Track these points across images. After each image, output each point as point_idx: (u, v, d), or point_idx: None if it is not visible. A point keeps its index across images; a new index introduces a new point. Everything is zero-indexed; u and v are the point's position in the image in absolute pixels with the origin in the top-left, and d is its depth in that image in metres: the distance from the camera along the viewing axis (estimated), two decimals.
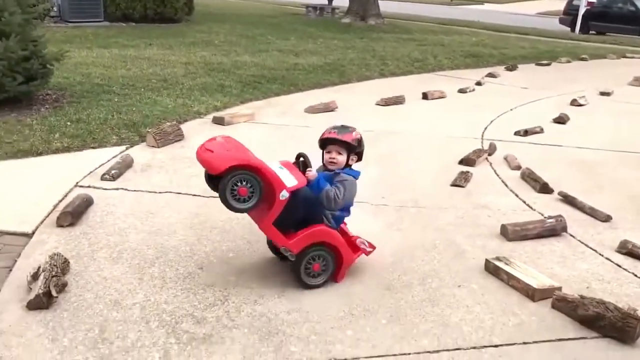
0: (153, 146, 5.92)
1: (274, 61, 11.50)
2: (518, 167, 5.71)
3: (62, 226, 4.06)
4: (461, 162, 5.83)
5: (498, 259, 3.68)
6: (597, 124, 8.06)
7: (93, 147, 5.83)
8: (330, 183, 3.33)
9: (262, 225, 3.26)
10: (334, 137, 3.40)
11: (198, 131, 6.59)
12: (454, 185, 5.19)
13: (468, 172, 5.45)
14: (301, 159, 3.43)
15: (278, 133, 6.70)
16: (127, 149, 5.87)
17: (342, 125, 3.48)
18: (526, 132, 7.09)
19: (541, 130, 7.27)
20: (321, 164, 3.53)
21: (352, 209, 3.60)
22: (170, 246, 3.86)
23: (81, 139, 5.96)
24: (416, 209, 4.64)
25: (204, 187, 4.84)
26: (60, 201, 4.49)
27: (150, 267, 3.59)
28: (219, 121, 6.94)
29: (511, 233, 4.10)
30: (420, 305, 3.32)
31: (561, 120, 7.91)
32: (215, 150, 3.11)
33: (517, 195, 5.04)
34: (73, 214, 4.11)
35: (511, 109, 8.65)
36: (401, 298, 3.37)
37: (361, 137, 3.46)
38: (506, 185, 5.28)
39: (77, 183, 4.89)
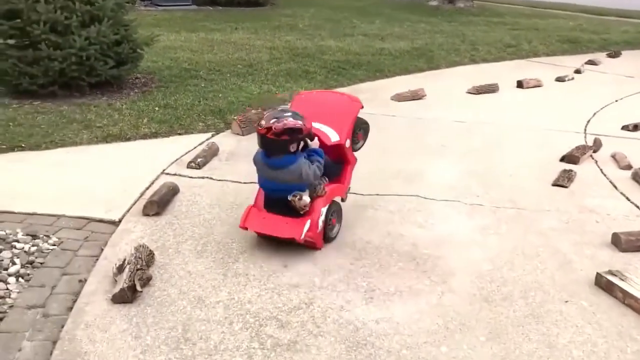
0: (238, 134, 5.85)
1: (359, 46, 11.21)
2: (629, 167, 5.19)
3: (148, 215, 4.03)
4: (563, 159, 5.38)
5: (611, 272, 3.30)
6: None
7: (180, 134, 5.82)
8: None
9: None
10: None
11: None
12: (556, 184, 4.78)
13: (571, 170, 5.00)
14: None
15: None
16: (212, 136, 5.82)
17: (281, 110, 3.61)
18: (636, 127, 6.48)
19: None
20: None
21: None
22: (254, 241, 3.73)
23: (168, 124, 5.97)
24: (515, 211, 4.29)
25: None
26: (147, 189, 4.47)
27: (235, 263, 3.48)
28: None
29: (625, 243, 3.69)
30: (522, 321, 3.02)
31: None
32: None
33: (628, 199, 4.57)
34: (159, 203, 4.06)
35: (616, 100, 7.97)
36: (501, 312, 3.08)
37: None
38: (615, 187, 4.80)
39: (163, 170, 4.87)
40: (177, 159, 5.11)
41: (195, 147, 5.42)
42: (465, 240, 3.82)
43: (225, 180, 4.72)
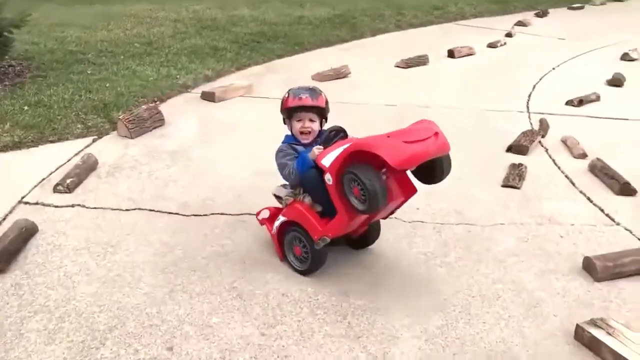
0: (125, 136, 4.78)
1: (276, 14, 10.15)
2: (583, 155, 4.53)
3: None
4: (510, 149, 4.66)
5: (594, 324, 2.57)
6: None
7: (52, 141, 4.71)
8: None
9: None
10: (307, 104, 2.96)
11: (183, 112, 5.43)
12: (506, 185, 4.03)
13: (521, 165, 4.28)
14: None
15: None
16: (93, 141, 4.74)
17: (308, 88, 3.05)
18: (581, 102, 5.86)
19: (597, 98, 6.04)
20: (289, 134, 3.13)
21: None
22: (130, 306, 2.77)
23: (38, 130, 4.83)
24: (462, 228, 3.51)
25: (183, 200, 3.79)
26: None
27: (100, 348, 2.51)
28: (208, 97, 5.76)
29: (601, 272, 2.98)
30: None
31: (617, 82, 6.64)
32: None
33: (590, 200, 3.88)
34: (1, 256, 3.01)
35: (553, 68, 7.38)
36: None
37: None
38: (573, 184, 4.11)
39: (22, 198, 3.80)
40: (42, 180, 4.04)
41: (69, 160, 4.35)
42: (407, 279, 3.01)
43: (101, 207, 3.69)
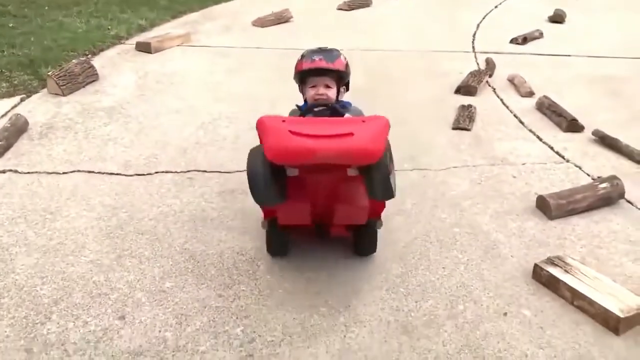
0: (57, 94, 4.46)
1: None
2: (530, 94, 4.53)
3: None
4: (458, 90, 4.61)
5: (552, 262, 2.59)
6: (599, 19, 6.83)
7: None
8: None
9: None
10: (322, 67, 2.49)
11: (117, 65, 5.11)
12: (457, 128, 3.99)
13: (470, 106, 4.24)
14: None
15: (222, 60, 5.26)
16: (21, 100, 4.41)
17: (324, 49, 2.59)
18: (525, 40, 5.85)
19: (540, 35, 6.04)
20: (302, 103, 2.65)
21: None
22: (75, 276, 2.61)
23: None
24: (417, 173, 3.47)
25: (124, 159, 3.59)
26: None
27: (45, 323, 2.36)
28: (144, 48, 5.44)
29: (554, 209, 3.00)
30: (458, 358, 2.22)
31: (559, 18, 6.67)
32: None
33: (540, 139, 3.90)
34: None
35: (496, 6, 7.36)
36: (428, 349, 2.26)
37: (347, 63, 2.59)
38: (522, 123, 4.11)
39: None
40: None
41: None
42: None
43: (36, 172, 3.45)
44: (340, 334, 2.31)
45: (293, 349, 2.24)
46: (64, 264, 2.69)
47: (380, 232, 2.73)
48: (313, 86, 2.55)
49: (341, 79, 2.56)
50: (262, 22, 6.32)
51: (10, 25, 6.00)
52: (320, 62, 2.49)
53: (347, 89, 2.69)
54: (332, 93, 2.55)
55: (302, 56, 2.56)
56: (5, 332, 2.31)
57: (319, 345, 2.26)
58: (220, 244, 2.82)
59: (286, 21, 6.49)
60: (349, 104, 2.66)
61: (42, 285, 2.56)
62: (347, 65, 2.58)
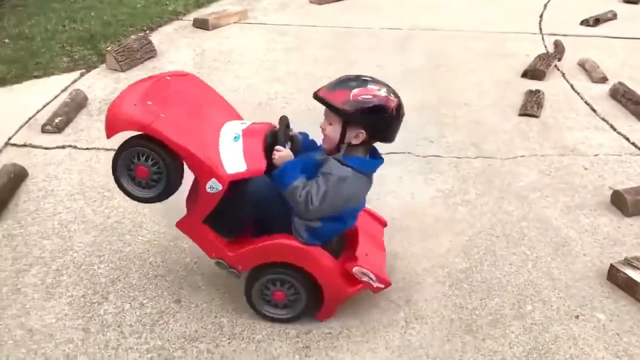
0: (115, 69, 4.47)
1: None
2: (603, 79, 4.26)
3: None
4: (525, 74, 4.38)
5: (629, 263, 2.41)
6: None
7: (36, 76, 4.40)
8: (314, 173, 2.00)
9: (182, 223, 2.18)
10: (320, 97, 2.00)
11: (175, 41, 5.08)
12: (524, 114, 3.79)
13: (539, 91, 4.02)
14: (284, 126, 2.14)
15: (278, 39, 5.16)
16: (81, 75, 4.43)
17: (347, 77, 2.03)
18: (597, 21, 5.52)
19: (614, 16, 5.69)
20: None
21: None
22: (132, 256, 2.60)
23: (21, 64, 4.50)
24: (481, 161, 3.30)
25: None
26: None
27: (103, 303, 2.35)
28: (201, 24, 5.39)
29: (631, 206, 2.81)
30: None
31: None
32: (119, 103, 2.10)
33: (614, 128, 3.67)
34: None
35: None
36: (494, 351, 2.13)
37: (372, 102, 1.93)
38: (595, 111, 3.87)
39: (9, 139, 3.55)
40: (29, 119, 3.77)
41: (56, 97, 4.07)
42: (426, 219, 2.83)
43: (95, 148, 3.46)
44: (400, 330, 2.22)
45: (351, 343, 2.17)
46: (121, 243, 2.68)
47: (441, 223, 2.61)
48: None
49: (340, 116, 1.95)
50: (320, 0, 6.18)
51: (71, 0, 6.04)
52: (321, 90, 2.01)
53: (375, 137, 2.02)
54: (330, 131, 2.00)
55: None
56: (64, 310, 2.31)
57: (377, 341, 2.18)
58: None
59: None
60: (352, 160, 2.00)
61: (100, 264, 2.55)
62: (357, 104, 1.91)
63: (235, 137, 2.09)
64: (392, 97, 1.96)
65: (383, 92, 1.95)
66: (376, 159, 2.10)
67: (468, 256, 2.58)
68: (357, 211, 2.20)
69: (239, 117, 2.34)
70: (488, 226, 2.77)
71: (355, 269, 2.13)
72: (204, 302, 2.35)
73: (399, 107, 1.98)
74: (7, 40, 4.91)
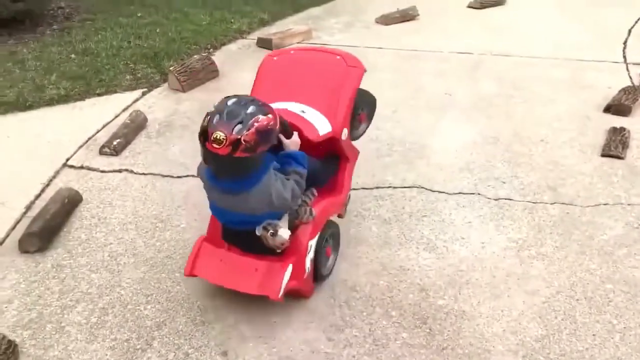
0: (177, 90, 4.41)
1: None
2: None
3: (28, 252, 2.72)
4: (608, 109, 4.04)
5: None
6: None
7: (99, 94, 4.39)
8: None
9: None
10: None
11: (238, 62, 4.99)
12: (607, 155, 3.47)
13: (624, 129, 3.69)
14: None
15: None
16: (143, 94, 4.39)
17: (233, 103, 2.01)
18: None
19: None
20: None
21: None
22: (180, 298, 2.46)
23: (85, 81, 4.51)
24: (559, 208, 3.02)
25: None
26: (38, 197, 3.14)
27: (145, 351, 2.22)
28: (265, 44, 5.29)
29: None
30: None
31: None
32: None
33: None
34: (41, 234, 2.75)
35: None
36: None
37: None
38: None
39: (66, 161, 3.51)
40: (88, 139, 3.74)
41: (117, 116, 4.03)
42: (497, 274, 2.57)
43: (151, 174, 3.37)
44: None
45: None
46: (170, 281, 2.55)
47: (514, 279, 2.36)
48: None
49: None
50: (386, 20, 5.99)
51: (139, 14, 6.09)
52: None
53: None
54: None
55: (271, 115, 2.03)
56: (107, 355, 2.20)
57: None
58: (332, 276, 2.57)
59: (412, 19, 6.11)
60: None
61: (147, 304, 2.44)
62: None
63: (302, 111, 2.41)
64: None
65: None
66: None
67: (544, 322, 2.31)
68: None
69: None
70: (567, 286, 2.49)
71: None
72: (252, 358, 2.18)
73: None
74: (73, 56, 4.95)
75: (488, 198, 3.10)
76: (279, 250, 2.22)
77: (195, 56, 4.70)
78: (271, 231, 2.13)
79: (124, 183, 3.29)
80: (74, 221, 2.96)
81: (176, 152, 3.60)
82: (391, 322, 2.32)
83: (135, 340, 2.26)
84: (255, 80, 2.61)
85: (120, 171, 3.40)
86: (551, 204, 3.05)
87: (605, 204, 3.04)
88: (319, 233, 2.39)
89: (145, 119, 3.92)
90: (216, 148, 1.91)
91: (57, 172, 3.39)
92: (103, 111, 4.09)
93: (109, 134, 3.71)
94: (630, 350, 2.19)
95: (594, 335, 2.25)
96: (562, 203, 3.06)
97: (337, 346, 2.22)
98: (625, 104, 3.99)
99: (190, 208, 3.06)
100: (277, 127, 2.07)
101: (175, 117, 4.03)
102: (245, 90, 4.32)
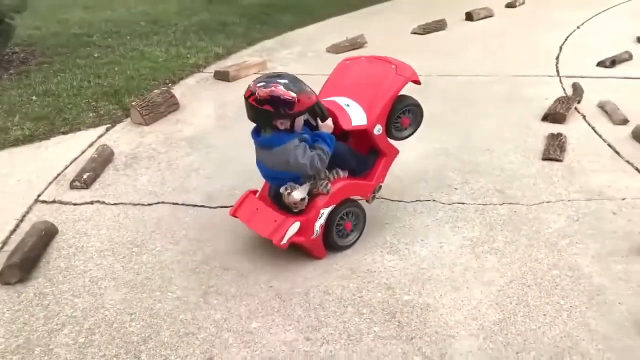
0: (140, 123, 4.56)
1: None
2: (625, 121, 4.27)
3: (8, 284, 2.81)
4: (546, 117, 4.39)
5: None
6: None
7: (63, 132, 4.50)
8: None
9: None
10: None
11: (197, 94, 5.19)
12: (547, 158, 3.79)
13: (560, 135, 4.03)
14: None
15: None
16: (107, 130, 4.52)
17: (289, 77, 2.63)
18: (613, 62, 5.55)
19: (630, 57, 5.72)
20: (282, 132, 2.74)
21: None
22: (163, 313, 2.60)
23: (48, 121, 4.62)
24: (507, 208, 3.29)
25: (207, 190, 3.59)
26: (13, 232, 3.23)
27: None
28: (222, 77, 5.51)
29: None
30: None
31: None
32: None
33: (639, 171, 3.63)
34: (22, 264, 2.84)
35: (578, 27, 7.05)
36: None
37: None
38: (618, 154, 3.86)
39: (38, 196, 3.61)
40: (57, 175, 3.84)
41: (83, 152, 4.15)
42: (455, 269, 2.80)
43: (122, 203, 3.50)
44: None
45: None
46: (151, 300, 2.68)
47: (471, 272, 2.59)
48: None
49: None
50: (336, 49, 6.31)
51: (95, 55, 6.23)
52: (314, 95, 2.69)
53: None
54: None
55: (297, 92, 2.56)
56: None
57: None
58: (305, 282, 2.75)
59: (360, 47, 6.45)
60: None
61: (131, 322, 2.56)
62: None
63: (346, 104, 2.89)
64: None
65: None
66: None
67: (501, 307, 2.55)
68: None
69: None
70: (519, 275, 2.74)
71: None
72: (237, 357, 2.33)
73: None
74: (34, 98, 5.05)
75: (443, 203, 3.35)
76: (295, 210, 2.75)
77: (155, 91, 4.87)
78: (288, 191, 2.71)
79: (97, 214, 3.40)
80: (52, 252, 3.06)
81: (144, 181, 3.73)
82: (363, 319, 2.51)
83: (124, 355, 2.38)
84: (328, 78, 3.12)
85: (92, 203, 3.51)
86: (500, 204, 3.32)
87: (548, 202, 3.33)
88: (334, 205, 2.80)
89: (112, 153, 4.05)
90: (245, 93, 2.58)
91: (30, 208, 3.48)
92: (69, 148, 4.20)
93: (78, 169, 3.83)
94: (577, 324, 2.43)
95: (544, 315, 2.49)
96: (510, 203, 3.33)
97: (315, 344, 2.39)
98: (560, 112, 4.34)
99: (164, 232, 3.20)
100: (297, 106, 2.56)
101: (140, 149, 4.17)
102: (205, 119, 4.54)
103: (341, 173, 2.88)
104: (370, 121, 2.85)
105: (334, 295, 2.66)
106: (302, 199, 2.72)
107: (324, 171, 2.79)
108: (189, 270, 2.87)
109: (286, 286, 2.73)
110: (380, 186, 3.08)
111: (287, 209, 2.79)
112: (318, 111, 2.70)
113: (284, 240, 2.69)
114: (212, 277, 2.81)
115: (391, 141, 3.06)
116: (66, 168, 3.93)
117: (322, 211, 2.77)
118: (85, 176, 3.70)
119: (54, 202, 3.54)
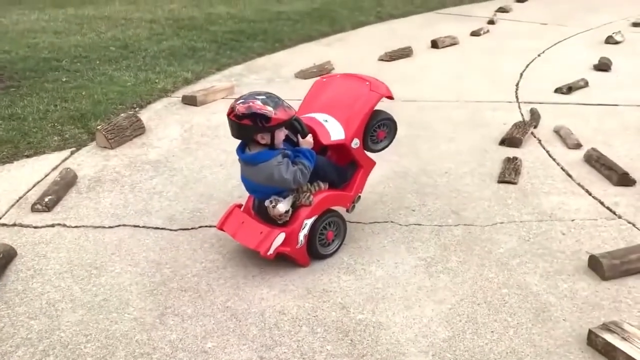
0: (105, 147, 4.59)
1: (254, 10, 9.97)
2: (578, 145, 4.43)
3: None
4: (503, 142, 4.54)
5: (607, 328, 2.46)
6: None
7: (27, 156, 4.49)
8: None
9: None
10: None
11: (164, 118, 5.24)
12: (502, 181, 3.92)
13: (516, 159, 4.17)
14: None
15: None
16: (71, 154, 4.53)
17: (269, 95, 2.80)
18: (570, 89, 5.76)
19: (586, 84, 5.95)
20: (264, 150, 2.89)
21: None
22: (119, 334, 2.61)
23: (12, 144, 4.61)
24: (462, 229, 3.39)
25: (169, 212, 3.63)
26: None
27: None
28: (190, 101, 5.57)
29: (608, 270, 2.88)
30: None
31: (604, 66, 6.57)
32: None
33: (589, 193, 3.78)
34: None
35: (539, 55, 7.29)
36: None
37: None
38: (570, 177, 4.00)
39: None
40: (19, 199, 3.84)
41: (47, 175, 4.16)
42: (409, 288, 2.88)
43: (83, 226, 3.51)
44: None
45: None
46: (108, 321, 2.70)
47: (424, 291, 2.66)
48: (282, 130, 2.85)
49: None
50: (304, 75, 6.43)
51: (64, 79, 6.25)
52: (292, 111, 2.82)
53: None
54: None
55: (273, 107, 2.70)
56: None
57: None
58: (262, 302, 2.80)
59: (328, 72, 6.57)
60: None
61: (87, 343, 2.57)
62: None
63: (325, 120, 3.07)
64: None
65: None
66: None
67: (451, 325, 2.62)
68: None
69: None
70: (470, 294, 2.82)
71: None
72: None
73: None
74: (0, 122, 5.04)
75: (400, 224, 3.44)
76: (280, 222, 2.88)
77: (122, 114, 4.91)
78: (273, 204, 2.83)
79: (57, 236, 3.41)
80: (10, 275, 3.05)
81: (107, 204, 3.76)
82: (316, 338, 2.56)
83: None
84: (305, 96, 3.33)
85: (53, 226, 3.52)
86: (455, 225, 3.42)
87: (501, 223, 3.44)
88: (316, 216, 2.95)
89: (75, 176, 4.07)
90: (227, 112, 2.73)
91: None
92: (32, 171, 4.21)
93: (40, 192, 3.83)
94: (522, 341, 2.52)
95: (492, 332, 2.57)
96: (465, 224, 3.43)
97: None
98: (516, 137, 4.50)
99: (124, 254, 3.22)
100: (274, 121, 2.69)
101: (104, 173, 4.20)
102: (170, 143, 4.58)
103: (322, 185, 3.05)
104: (348, 136, 3.01)
105: (289, 315, 2.71)
106: (287, 211, 2.87)
107: (306, 184, 2.94)
108: (147, 292, 2.89)
109: (243, 306, 2.77)
110: (360, 196, 3.24)
111: (271, 221, 2.93)
112: (298, 127, 2.87)
113: (271, 251, 2.84)
114: (170, 298, 2.84)
115: (368, 153, 3.20)
116: (28, 191, 3.93)
117: (305, 222, 2.91)
118: (47, 199, 3.71)
119: (14, 225, 3.54)
